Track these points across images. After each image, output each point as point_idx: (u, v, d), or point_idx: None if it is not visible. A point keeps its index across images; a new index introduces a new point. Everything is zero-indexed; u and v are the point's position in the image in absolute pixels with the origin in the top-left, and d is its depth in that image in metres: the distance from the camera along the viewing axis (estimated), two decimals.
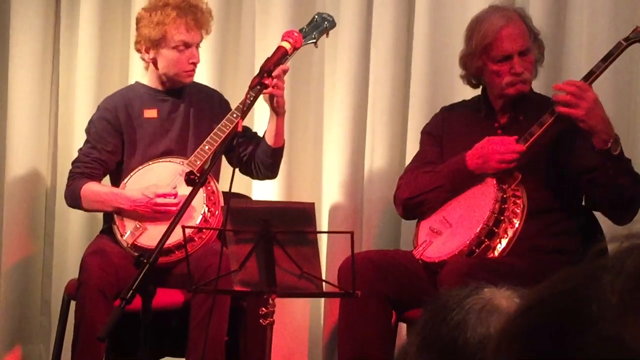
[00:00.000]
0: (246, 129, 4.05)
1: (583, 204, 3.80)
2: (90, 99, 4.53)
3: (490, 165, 3.62)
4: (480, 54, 3.71)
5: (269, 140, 3.94)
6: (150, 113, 4.06)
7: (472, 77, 3.80)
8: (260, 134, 4.04)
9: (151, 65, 4.03)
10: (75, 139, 4.48)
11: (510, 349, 0.74)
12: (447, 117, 3.89)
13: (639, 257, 0.75)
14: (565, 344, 0.73)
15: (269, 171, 4.02)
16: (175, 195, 3.87)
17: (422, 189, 3.75)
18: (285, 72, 3.75)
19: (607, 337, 0.72)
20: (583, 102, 3.44)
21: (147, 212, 3.87)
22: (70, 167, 4.10)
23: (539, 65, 3.77)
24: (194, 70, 4.02)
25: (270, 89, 3.67)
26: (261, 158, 3.98)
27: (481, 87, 3.83)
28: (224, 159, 4.09)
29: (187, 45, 3.97)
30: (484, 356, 1.31)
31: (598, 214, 3.83)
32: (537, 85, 3.87)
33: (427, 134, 3.91)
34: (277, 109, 3.84)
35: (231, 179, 3.28)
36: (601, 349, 0.72)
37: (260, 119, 4.34)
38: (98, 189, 3.99)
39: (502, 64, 3.68)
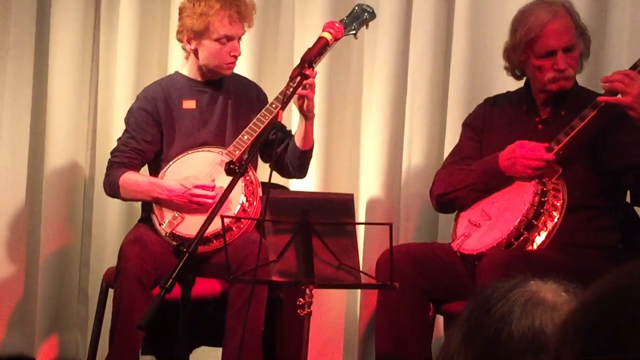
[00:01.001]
0: (282, 126, 4.04)
1: (627, 200, 3.76)
2: (129, 90, 4.54)
3: (517, 169, 3.63)
4: (524, 48, 3.68)
5: (298, 143, 3.94)
6: (189, 104, 4.07)
7: (516, 69, 3.77)
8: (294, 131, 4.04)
9: (192, 55, 4.04)
10: (114, 130, 4.50)
11: (572, 345, 0.73)
12: (489, 110, 3.87)
13: None
14: (626, 340, 0.71)
15: (298, 171, 4.03)
16: (213, 188, 3.88)
17: (455, 186, 3.75)
18: (311, 83, 3.73)
19: None
20: (632, 89, 3.41)
21: (184, 203, 3.88)
22: (108, 157, 4.12)
23: (584, 60, 3.73)
24: (234, 63, 4.02)
25: (302, 91, 3.67)
26: (290, 158, 3.99)
27: (525, 79, 3.80)
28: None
29: (229, 38, 3.96)
30: (527, 347, 1.30)
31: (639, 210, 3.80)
32: (579, 79, 3.84)
33: (468, 126, 3.90)
34: (307, 114, 3.84)
35: (270, 170, 3.28)
36: None
37: (296, 116, 4.33)
38: (136, 178, 4.00)
39: (546, 59, 3.65)
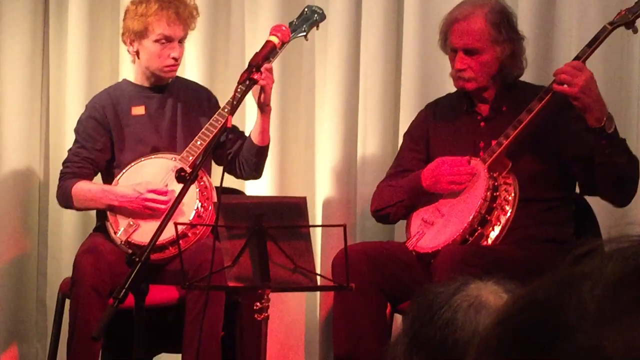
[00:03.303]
0: (234, 128, 4.04)
1: (576, 191, 3.80)
2: (81, 97, 4.51)
3: (441, 186, 3.68)
4: (444, 40, 3.77)
5: (255, 139, 3.93)
6: (138, 110, 4.06)
7: None
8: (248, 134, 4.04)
9: (137, 60, 4.04)
10: (67, 137, 4.46)
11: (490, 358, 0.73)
12: (431, 114, 3.91)
13: (619, 263, 0.73)
14: (543, 356, 0.71)
15: (253, 170, 4.01)
16: (166, 193, 3.87)
17: (385, 203, 3.84)
18: (269, 70, 3.73)
19: (586, 347, 0.70)
20: (578, 80, 3.44)
21: (138, 208, 3.87)
22: (61, 167, 4.10)
23: (512, 67, 3.74)
24: (175, 66, 4.01)
25: (260, 81, 3.66)
26: (246, 157, 3.98)
27: None
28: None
29: (168, 40, 3.96)
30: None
31: (592, 201, 3.83)
32: (528, 76, 3.86)
33: (408, 135, 3.95)
34: (263, 106, 3.83)
35: (222, 175, 3.27)
36: (580, 359, 0.70)
37: (250, 118, 4.33)
38: (89, 187, 3.98)
39: (452, 55, 3.74)
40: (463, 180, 3.65)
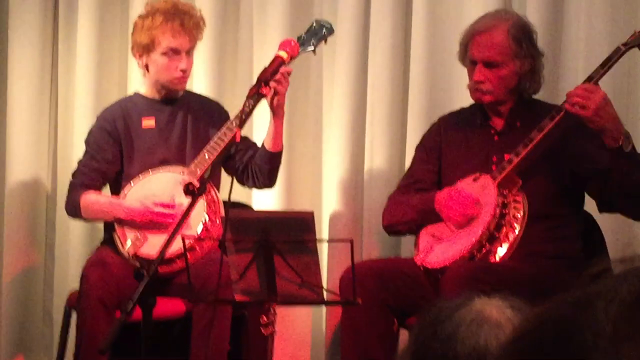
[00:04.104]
0: (244, 139, 4.05)
1: (585, 209, 3.79)
2: (90, 109, 4.52)
3: (452, 219, 3.68)
4: (464, 52, 3.77)
5: (267, 145, 3.94)
6: (148, 122, 4.07)
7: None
8: (259, 144, 4.04)
9: (147, 73, 4.05)
10: (75, 149, 4.47)
11: None
12: (444, 126, 3.90)
13: (633, 283, 0.73)
14: None
15: (267, 179, 4.00)
16: (174, 207, 3.87)
17: (397, 220, 3.85)
18: (288, 74, 3.74)
19: None
20: (591, 102, 3.44)
21: (145, 222, 3.87)
22: (70, 177, 4.11)
23: (531, 81, 3.74)
24: (184, 78, 4.03)
25: (273, 84, 3.66)
26: (259, 164, 3.97)
27: None
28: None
29: (175, 52, 3.97)
30: None
31: (599, 218, 3.82)
32: (537, 95, 3.86)
33: (422, 147, 3.94)
34: (276, 109, 3.82)
35: (230, 188, 3.28)
36: None
37: (259, 129, 4.34)
38: (97, 198, 3.99)
39: (471, 67, 3.73)
40: (467, 219, 3.65)
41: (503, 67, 3.70)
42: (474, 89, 3.73)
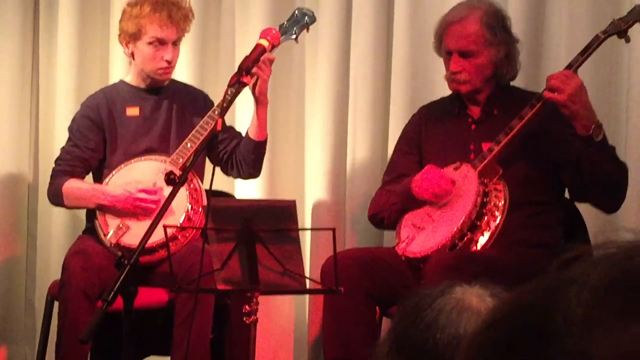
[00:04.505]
0: (229, 128, 4.05)
1: (566, 196, 3.80)
2: (71, 99, 4.51)
3: (426, 195, 3.68)
4: (439, 43, 3.77)
5: (252, 134, 3.93)
6: (133, 111, 4.06)
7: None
8: (244, 133, 4.03)
9: (133, 61, 4.04)
10: (56, 139, 4.46)
11: None
12: (423, 117, 3.92)
13: (605, 268, 0.73)
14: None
15: (251, 168, 4.00)
16: (156, 192, 3.86)
17: (380, 208, 3.86)
18: (271, 61, 3.73)
19: (573, 352, 0.70)
20: (567, 87, 3.46)
21: (127, 208, 3.86)
22: (51, 166, 4.09)
23: (507, 67, 3.75)
24: (169, 69, 4.02)
25: (256, 70, 3.66)
26: (243, 154, 3.97)
27: None
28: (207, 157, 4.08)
29: (161, 42, 3.97)
30: (453, 355, 1.30)
31: (581, 206, 3.84)
32: (517, 81, 3.87)
33: (403, 138, 3.95)
34: (259, 97, 3.82)
35: (211, 177, 3.27)
36: None
37: (241, 118, 4.33)
38: (79, 185, 3.99)
39: (447, 57, 3.75)
40: (443, 193, 3.65)
41: (478, 55, 3.71)
42: (450, 80, 3.74)
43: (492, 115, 3.77)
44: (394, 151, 3.99)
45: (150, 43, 3.96)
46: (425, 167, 3.73)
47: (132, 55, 4.02)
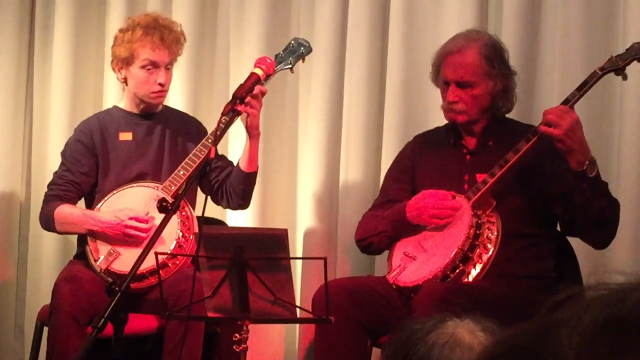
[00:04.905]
0: (222, 157, 4.06)
1: (558, 229, 3.81)
2: (64, 122, 4.52)
3: (424, 218, 3.69)
4: (436, 73, 3.79)
5: (242, 165, 3.94)
6: (126, 136, 4.07)
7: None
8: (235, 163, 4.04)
9: (126, 87, 4.05)
10: (49, 163, 4.46)
11: None
12: (417, 145, 3.93)
13: (596, 311, 0.73)
14: None
15: (240, 198, 4.00)
16: (147, 221, 3.86)
17: (369, 233, 3.84)
18: (263, 93, 3.75)
19: None
20: (563, 122, 3.48)
21: (117, 235, 3.86)
22: (44, 190, 4.09)
23: (504, 99, 3.77)
24: (162, 92, 4.03)
25: (245, 108, 3.67)
26: (233, 184, 3.97)
27: None
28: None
29: (154, 65, 3.98)
30: None
31: (572, 238, 3.84)
32: (510, 114, 3.88)
33: (396, 165, 3.96)
34: (251, 130, 3.83)
35: (204, 205, 3.27)
36: None
37: (234, 147, 4.33)
38: (71, 210, 3.98)
39: (444, 88, 3.75)
40: (445, 214, 3.66)
41: (476, 86, 3.72)
42: (447, 109, 3.75)
43: (487, 146, 3.79)
44: (386, 177, 3.99)
45: (143, 67, 3.98)
46: (419, 193, 3.73)
47: (125, 80, 4.03)
